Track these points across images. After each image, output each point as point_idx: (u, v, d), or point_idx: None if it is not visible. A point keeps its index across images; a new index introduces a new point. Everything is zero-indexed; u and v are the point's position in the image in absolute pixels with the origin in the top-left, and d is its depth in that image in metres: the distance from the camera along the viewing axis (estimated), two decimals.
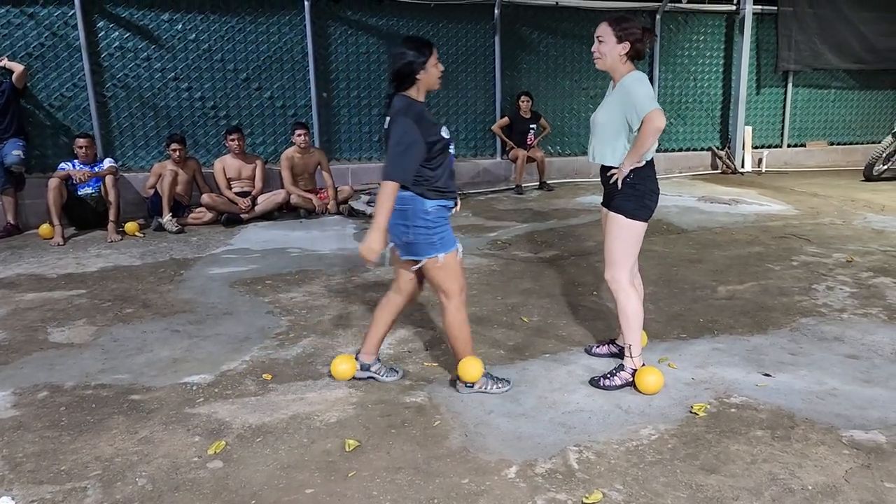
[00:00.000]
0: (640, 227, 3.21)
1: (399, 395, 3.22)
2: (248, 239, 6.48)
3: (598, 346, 3.67)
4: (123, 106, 7.81)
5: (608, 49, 3.10)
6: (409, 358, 3.65)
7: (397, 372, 3.43)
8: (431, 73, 2.96)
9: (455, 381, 3.24)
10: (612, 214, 3.21)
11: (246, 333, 4.04)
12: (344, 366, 3.35)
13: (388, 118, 2.97)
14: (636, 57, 3.13)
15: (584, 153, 3.46)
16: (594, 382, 3.29)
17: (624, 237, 3.20)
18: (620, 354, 3.55)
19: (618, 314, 3.30)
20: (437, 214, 2.99)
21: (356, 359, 3.37)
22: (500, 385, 3.21)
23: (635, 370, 3.26)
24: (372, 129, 8.91)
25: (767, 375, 3.38)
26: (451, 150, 3.06)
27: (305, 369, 3.53)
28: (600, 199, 3.46)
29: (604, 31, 3.10)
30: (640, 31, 3.08)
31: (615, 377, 3.27)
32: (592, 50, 3.17)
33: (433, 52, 2.96)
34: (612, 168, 3.19)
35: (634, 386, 3.23)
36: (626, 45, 3.07)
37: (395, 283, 3.27)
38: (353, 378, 3.35)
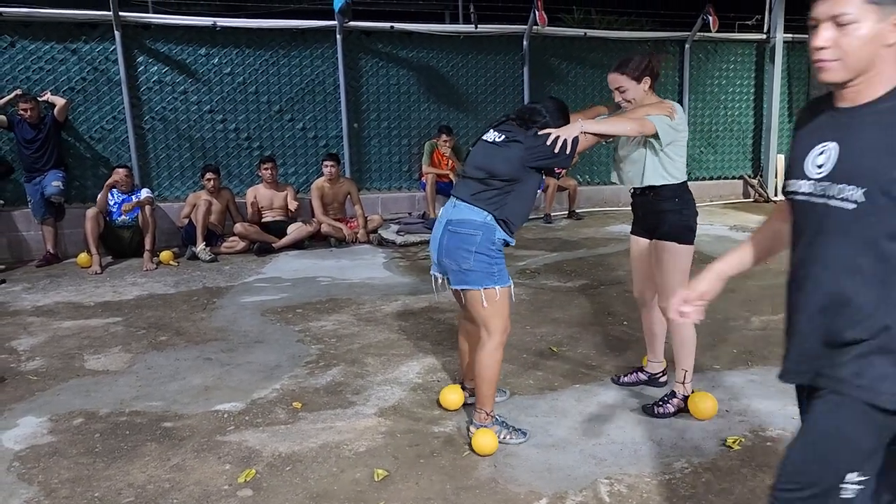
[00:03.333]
0: (690, 250, 3.20)
1: (428, 425, 3.21)
2: (279, 268, 6.56)
3: (625, 376, 3.63)
4: (160, 138, 8.01)
5: (634, 93, 3.12)
6: (439, 386, 3.64)
7: (504, 392, 3.48)
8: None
9: (469, 423, 3.14)
10: (663, 244, 3.18)
11: (277, 361, 4.07)
12: (453, 395, 3.35)
13: (497, 132, 2.99)
14: (655, 80, 3.16)
15: (614, 182, 3.45)
16: (647, 410, 3.26)
17: (678, 264, 3.17)
18: (650, 382, 3.53)
19: (674, 342, 3.26)
20: (499, 247, 2.95)
21: (463, 388, 3.39)
22: (514, 436, 3.04)
23: (687, 396, 3.23)
24: (402, 160, 9.01)
25: None
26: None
27: (335, 398, 3.54)
28: (630, 228, 3.45)
29: (620, 81, 3.12)
30: (648, 61, 3.10)
31: (668, 404, 3.24)
32: (618, 101, 3.19)
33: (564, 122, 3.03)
34: (646, 188, 3.18)
35: (688, 411, 3.21)
36: (647, 80, 3.11)
37: (463, 311, 3.24)
38: (465, 405, 3.35)
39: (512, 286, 3.01)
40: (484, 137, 3.04)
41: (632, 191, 3.30)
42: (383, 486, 2.71)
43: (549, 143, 2.85)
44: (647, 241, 3.30)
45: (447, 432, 3.14)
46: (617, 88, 3.15)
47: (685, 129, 3.15)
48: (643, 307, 3.50)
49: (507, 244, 3.01)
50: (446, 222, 2.95)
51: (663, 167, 3.12)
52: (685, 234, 3.17)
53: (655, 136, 3.02)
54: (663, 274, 3.21)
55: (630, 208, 3.39)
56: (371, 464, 2.87)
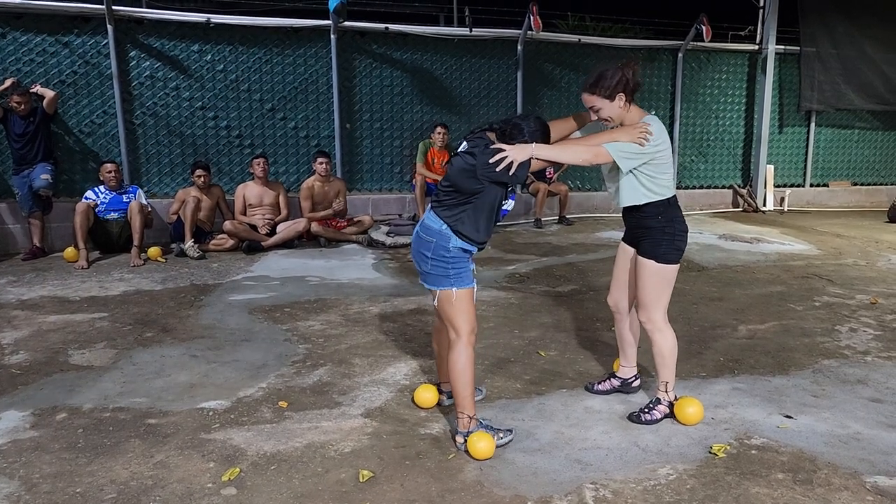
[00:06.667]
0: (672, 269, 3.16)
1: (414, 427, 3.20)
2: (268, 266, 6.53)
3: (599, 383, 3.62)
4: (151, 133, 7.97)
5: (609, 112, 3.07)
6: None
7: (481, 391, 3.49)
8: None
9: (454, 433, 3.07)
10: (642, 259, 3.17)
11: (263, 360, 4.05)
12: (427, 394, 3.39)
13: (467, 143, 3.00)
14: (634, 92, 3.08)
15: (604, 188, 3.43)
16: (634, 418, 3.25)
17: (656, 282, 3.15)
18: (623, 390, 3.53)
19: (654, 353, 3.27)
20: (455, 254, 2.96)
21: (440, 391, 3.40)
22: (501, 435, 3.01)
23: (672, 403, 3.25)
24: (393, 161, 9.00)
25: (789, 417, 3.32)
26: (508, 206, 3.05)
27: (321, 398, 3.53)
28: (620, 234, 3.45)
29: (592, 101, 3.07)
30: (620, 75, 3.02)
31: (654, 411, 3.24)
32: (595, 119, 3.16)
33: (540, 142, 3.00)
34: (633, 207, 3.17)
35: (674, 417, 3.23)
36: (621, 97, 3.04)
37: (438, 318, 3.27)
38: (438, 405, 3.39)
39: (475, 288, 3.03)
40: (458, 149, 3.05)
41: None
42: (368, 486, 2.70)
43: (494, 161, 2.82)
44: (633, 251, 3.30)
45: (433, 434, 3.14)
46: (591, 108, 3.12)
47: (663, 147, 3.05)
48: (616, 313, 3.50)
49: (469, 253, 3.01)
50: (419, 225, 3.06)
51: (643, 186, 3.08)
52: (669, 253, 3.13)
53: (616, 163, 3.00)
54: (642, 288, 3.21)
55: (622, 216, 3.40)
56: (356, 464, 2.86)
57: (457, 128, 9.09)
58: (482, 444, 2.89)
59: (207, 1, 11.10)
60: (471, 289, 3.01)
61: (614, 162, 3.03)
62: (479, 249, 3.06)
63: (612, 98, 3.04)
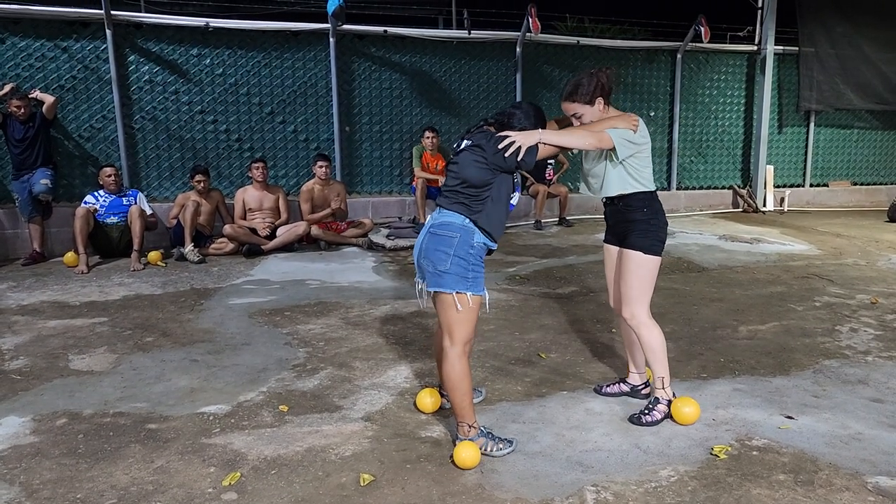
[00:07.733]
0: (656, 262, 3.23)
1: (415, 430, 3.20)
2: (268, 270, 6.53)
3: (608, 386, 3.62)
4: (151, 138, 7.97)
5: (590, 116, 3.18)
6: None
7: (480, 392, 3.50)
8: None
9: (455, 439, 3.04)
10: (629, 252, 3.22)
11: (264, 364, 4.05)
12: (428, 399, 3.37)
13: (467, 139, 3.02)
14: (610, 94, 3.19)
15: (581, 192, 3.47)
16: (635, 420, 3.24)
17: (642, 274, 3.20)
18: (632, 394, 3.52)
19: (643, 350, 3.28)
20: (478, 251, 2.94)
21: (441, 394, 3.38)
22: (501, 447, 2.97)
23: (670, 401, 3.25)
24: (393, 164, 9.00)
25: (790, 418, 3.32)
26: (514, 200, 3.06)
27: (322, 401, 3.52)
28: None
29: (574, 108, 3.19)
30: (596, 81, 3.13)
31: (654, 412, 3.24)
32: (578, 126, 3.22)
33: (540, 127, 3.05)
34: (616, 198, 3.23)
35: (671, 417, 3.23)
36: (600, 101, 3.15)
37: (439, 322, 3.25)
38: (441, 408, 3.38)
39: (486, 297, 3.00)
40: (458, 147, 3.06)
41: (604, 200, 3.33)
42: (369, 490, 2.70)
43: (502, 146, 2.86)
44: (618, 250, 3.34)
45: (434, 437, 3.13)
46: (573, 115, 3.21)
47: (647, 140, 3.19)
48: (619, 316, 3.51)
49: (489, 251, 3.01)
50: (430, 226, 3.01)
51: (630, 175, 3.17)
52: (654, 245, 3.20)
53: (613, 149, 3.08)
54: (627, 282, 3.24)
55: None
56: (357, 468, 2.85)
57: (456, 130, 9.09)
58: (464, 453, 2.84)
59: (206, 5, 11.10)
60: (482, 297, 2.98)
61: (602, 151, 3.15)
62: (496, 245, 3.06)
63: (591, 103, 3.16)
